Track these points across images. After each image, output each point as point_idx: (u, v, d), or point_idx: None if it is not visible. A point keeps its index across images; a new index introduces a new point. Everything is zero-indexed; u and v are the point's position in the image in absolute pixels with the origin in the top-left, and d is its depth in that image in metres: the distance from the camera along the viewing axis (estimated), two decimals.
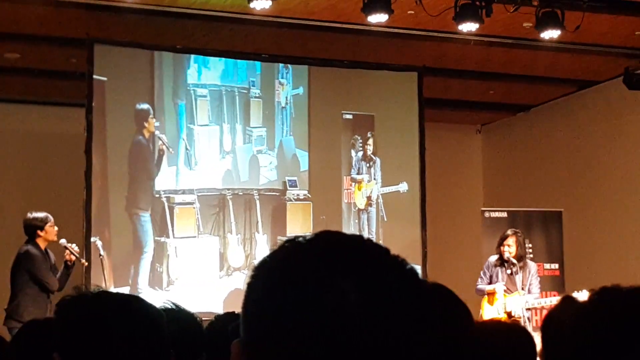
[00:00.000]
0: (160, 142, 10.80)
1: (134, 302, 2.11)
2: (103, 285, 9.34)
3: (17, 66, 11.61)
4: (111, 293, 2.18)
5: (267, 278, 1.23)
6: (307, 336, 1.16)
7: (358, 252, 1.23)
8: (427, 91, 12.06)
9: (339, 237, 1.26)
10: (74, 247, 9.26)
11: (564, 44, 10.95)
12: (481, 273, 10.17)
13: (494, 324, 3.19)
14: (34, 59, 11.39)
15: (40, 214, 9.18)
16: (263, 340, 1.20)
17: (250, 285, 1.25)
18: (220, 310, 10.63)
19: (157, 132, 10.81)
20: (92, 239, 9.84)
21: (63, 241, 9.25)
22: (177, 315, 3.08)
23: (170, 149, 10.83)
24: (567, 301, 3.60)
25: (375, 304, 1.18)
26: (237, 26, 10.66)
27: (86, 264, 9.33)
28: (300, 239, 1.25)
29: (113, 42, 10.71)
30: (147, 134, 10.79)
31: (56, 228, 9.20)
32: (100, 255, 9.36)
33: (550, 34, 10.10)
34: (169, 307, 3.17)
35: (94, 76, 10.48)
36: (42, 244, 9.11)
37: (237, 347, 1.24)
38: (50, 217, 9.19)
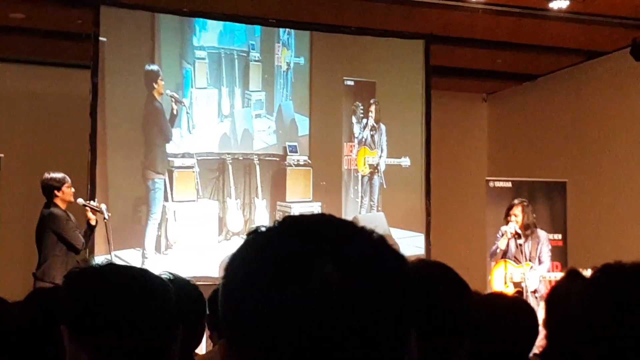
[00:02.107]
0: (172, 100, 10.78)
1: (141, 275, 2.11)
2: (107, 248, 9.33)
3: (22, 26, 11.56)
4: (118, 266, 2.18)
5: (244, 275, 1.21)
6: (300, 322, 1.15)
7: (326, 230, 1.22)
8: (433, 59, 12.02)
9: (302, 219, 1.25)
10: (93, 204, 9.08)
11: (573, 14, 10.89)
12: (496, 241, 10.19)
13: (496, 297, 3.19)
14: (39, 20, 11.34)
15: (58, 175, 8.94)
16: (253, 337, 1.18)
17: (226, 286, 1.23)
18: (217, 274, 10.67)
19: (168, 92, 10.78)
20: (102, 206, 9.73)
21: (80, 200, 9.08)
22: (177, 286, 3.07)
23: (184, 102, 10.80)
24: (572, 275, 3.60)
25: (356, 278, 1.17)
26: None
27: (109, 215, 9.09)
28: (263, 228, 1.24)
29: (119, 3, 10.66)
30: (157, 96, 10.76)
31: (73, 189, 9.00)
32: (104, 218, 9.29)
33: (559, 4, 10.05)
34: (168, 277, 3.16)
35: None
36: (62, 205, 8.89)
37: (223, 347, 1.22)
38: (68, 178, 8.97)
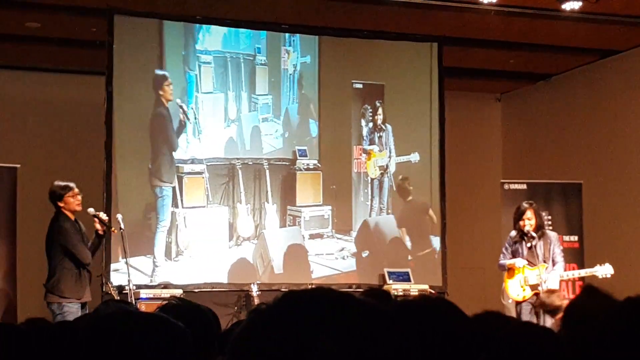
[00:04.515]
0: (181, 110, 10.82)
1: (159, 323, 2.12)
2: (122, 258, 9.37)
3: (37, 35, 11.64)
4: (137, 313, 2.19)
5: (249, 355, 1.25)
6: None
7: (325, 306, 1.26)
8: (446, 60, 12.02)
9: (301, 296, 1.29)
10: (102, 216, 9.01)
11: (586, 14, 10.86)
12: (503, 249, 10.11)
13: (523, 327, 3.19)
14: (54, 28, 11.42)
15: (61, 183, 8.90)
16: None
17: None
18: (227, 280, 10.73)
19: (178, 101, 10.83)
20: (118, 216, 9.75)
21: (91, 210, 8.99)
22: (189, 315, 3.03)
23: (189, 119, 10.84)
24: (590, 292, 3.61)
25: (356, 351, 1.21)
26: None
27: (116, 231, 9.10)
28: (264, 306, 1.29)
29: (133, 12, 10.72)
30: (165, 102, 10.80)
31: (79, 197, 8.91)
32: (121, 228, 9.33)
33: (572, 5, 10.03)
34: (177, 303, 3.15)
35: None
36: (70, 215, 8.86)
37: None
38: (72, 186, 8.89)
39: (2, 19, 11.03)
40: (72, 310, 8.60)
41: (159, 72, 10.82)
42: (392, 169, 11.75)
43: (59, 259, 8.75)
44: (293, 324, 1.22)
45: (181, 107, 10.82)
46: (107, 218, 9.04)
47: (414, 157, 11.78)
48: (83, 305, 8.79)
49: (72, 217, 8.91)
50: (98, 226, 8.97)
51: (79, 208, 8.93)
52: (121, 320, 2.10)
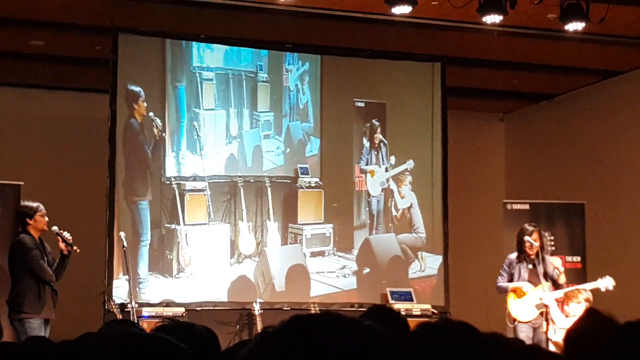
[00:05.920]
0: (154, 125, 10.79)
1: (162, 344, 2.11)
2: (123, 276, 9.35)
3: (41, 53, 11.68)
4: (140, 334, 2.18)
5: None
6: None
7: (331, 331, 1.28)
8: (449, 79, 12.05)
9: (307, 321, 1.31)
10: (66, 235, 9.04)
11: (589, 34, 10.87)
12: (501, 271, 10.13)
13: (530, 351, 3.18)
14: (58, 46, 11.45)
15: (32, 203, 9.03)
16: None
17: None
18: (227, 299, 10.71)
19: (151, 114, 10.80)
20: (121, 234, 9.78)
21: (55, 228, 9.07)
22: (184, 335, 3.01)
23: (163, 134, 10.81)
24: (592, 315, 3.61)
25: None
26: (260, 15, 10.67)
27: (78, 251, 9.05)
28: (271, 329, 1.31)
29: (137, 31, 10.77)
30: (138, 117, 10.78)
31: (46, 219, 9.01)
32: (123, 246, 9.34)
33: (575, 26, 10.02)
34: (170, 324, 3.13)
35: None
36: (34, 234, 8.95)
37: None
38: (42, 207, 9.02)
39: (6, 37, 11.09)
40: (34, 326, 8.61)
41: (133, 87, 10.76)
42: (389, 181, 11.74)
43: (20, 275, 8.81)
44: (300, 349, 1.24)
45: (154, 121, 10.80)
46: (70, 238, 9.06)
47: (409, 164, 11.78)
48: (47, 323, 8.79)
49: (37, 237, 8.99)
50: (62, 245, 9.04)
51: (46, 228, 9.03)
52: (124, 341, 2.10)
